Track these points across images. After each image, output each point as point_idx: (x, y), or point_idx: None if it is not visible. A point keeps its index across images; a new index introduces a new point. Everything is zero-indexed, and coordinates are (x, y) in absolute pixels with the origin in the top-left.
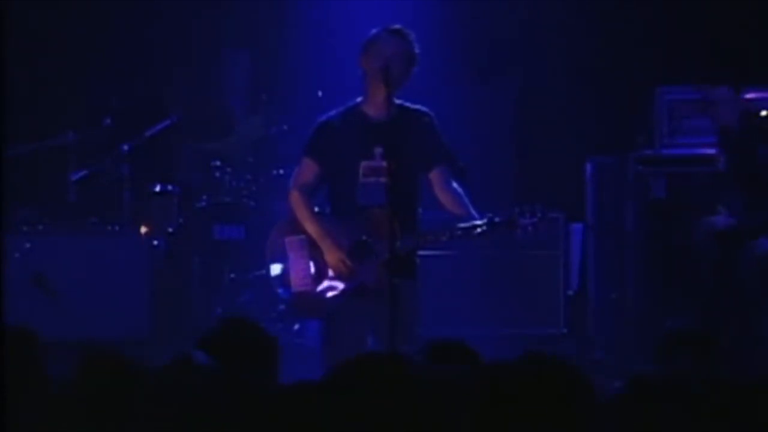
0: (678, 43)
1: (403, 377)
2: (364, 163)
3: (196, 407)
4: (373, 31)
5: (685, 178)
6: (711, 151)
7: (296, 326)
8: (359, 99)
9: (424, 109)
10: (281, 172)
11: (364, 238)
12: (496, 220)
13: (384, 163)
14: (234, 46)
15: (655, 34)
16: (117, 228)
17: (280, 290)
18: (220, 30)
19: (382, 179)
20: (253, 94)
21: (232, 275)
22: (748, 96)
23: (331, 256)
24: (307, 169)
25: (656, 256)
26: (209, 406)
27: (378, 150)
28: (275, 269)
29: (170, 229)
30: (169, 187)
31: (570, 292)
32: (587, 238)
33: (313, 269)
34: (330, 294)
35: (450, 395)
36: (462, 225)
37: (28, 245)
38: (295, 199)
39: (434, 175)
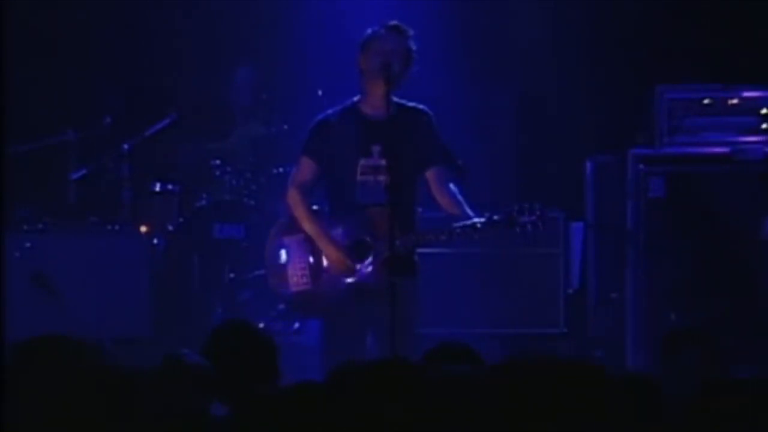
0: (678, 43)
1: (406, 378)
2: (362, 162)
3: (190, 407)
4: (371, 29)
5: (685, 177)
6: (710, 149)
7: (296, 325)
8: (356, 97)
9: (422, 107)
10: (281, 170)
11: (363, 237)
12: (495, 218)
13: (382, 162)
14: (234, 46)
15: (655, 34)
16: (117, 227)
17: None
18: (221, 29)
19: (381, 177)
20: (254, 93)
21: (232, 274)
22: (748, 95)
23: (330, 255)
24: (306, 169)
25: (656, 255)
26: (204, 407)
27: (376, 148)
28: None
29: (170, 228)
30: (169, 186)
31: (570, 291)
32: (587, 237)
33: (312, 269)
34: (329, 293)
35: (452, 396)
36: (461, 224)
37: (28, 244)
38: (294, 198)
39: (430, 175)
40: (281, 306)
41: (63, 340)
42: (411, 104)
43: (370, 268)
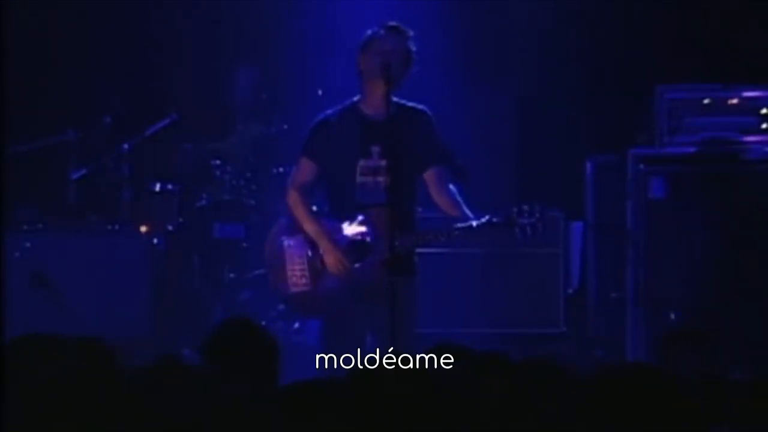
0: (678, 42)
1: (405, 378)
2: (361, 163)
3: (188, 407)
4: (370, 29)
5: (685, 177)
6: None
7: (296, 325)
8: (356, 98)
9: (422, 107)
10: (281, 170)
11: (362, 237)
12: (495, 220)
13: (381, 162)
14: (234, 46)
15: (655, 33)
16: (117, 227)
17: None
18: (221, 29)
19: (380, 178)
20: (254, 93)
21: (232, 274)
22: (747, 95)
23: (328, 256)
24: (306, 169)
25: (656, 255)
26: (203, 406)
27: (375, 149)
28: None
29: (170, 228)
30: (169, 186)
31: (570, 291)
32: (587, 236)
33: (311, 269)
34: (329, 293)
35: (453, 396)
36: (461, 225)
37: (28, 244)
38: (294, 199)
39: (429, 176)
40: (281, 306)
41: (59, 339)
42: (410, 104)
43: (369, 269)
